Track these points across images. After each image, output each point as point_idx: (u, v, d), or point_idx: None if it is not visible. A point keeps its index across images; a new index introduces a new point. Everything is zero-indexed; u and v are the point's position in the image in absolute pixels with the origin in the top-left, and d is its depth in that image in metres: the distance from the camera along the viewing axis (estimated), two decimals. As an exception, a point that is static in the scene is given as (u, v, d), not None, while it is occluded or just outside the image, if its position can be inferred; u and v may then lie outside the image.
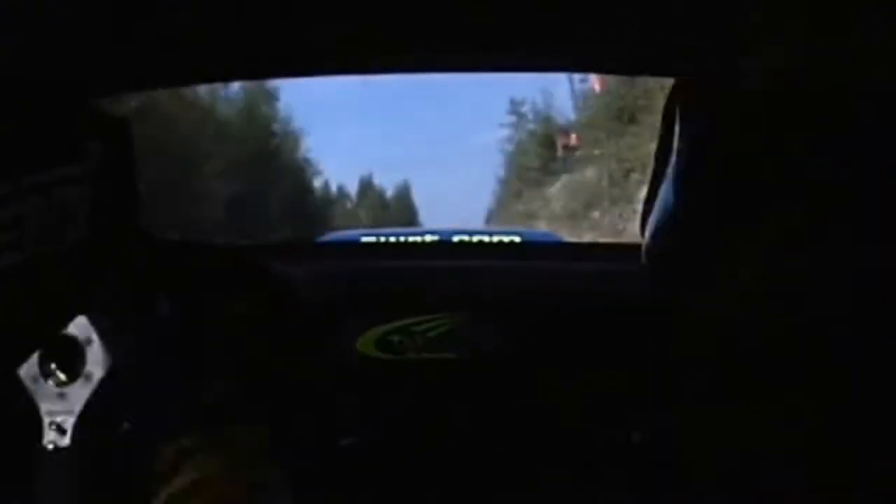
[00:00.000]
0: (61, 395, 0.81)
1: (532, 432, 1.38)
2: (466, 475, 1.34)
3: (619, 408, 1.37)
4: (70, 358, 0.83)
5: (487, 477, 1.35)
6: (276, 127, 21.58)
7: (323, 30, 0.99)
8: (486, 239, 2.18)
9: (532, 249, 1.76)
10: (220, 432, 0.76)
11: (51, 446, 0.78)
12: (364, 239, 2.25)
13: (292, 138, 23.04)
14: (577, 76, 17.91)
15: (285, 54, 1.12)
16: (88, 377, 0.83)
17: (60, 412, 0.80)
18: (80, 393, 0.81)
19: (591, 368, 1.34)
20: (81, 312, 0.85)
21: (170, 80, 1.31)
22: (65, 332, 0.84)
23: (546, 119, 23.42)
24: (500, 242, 1.76)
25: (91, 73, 1.02)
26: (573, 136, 20.34)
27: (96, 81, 1.04)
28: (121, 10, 0.83)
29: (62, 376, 0.82)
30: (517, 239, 2.09)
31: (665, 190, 0.38)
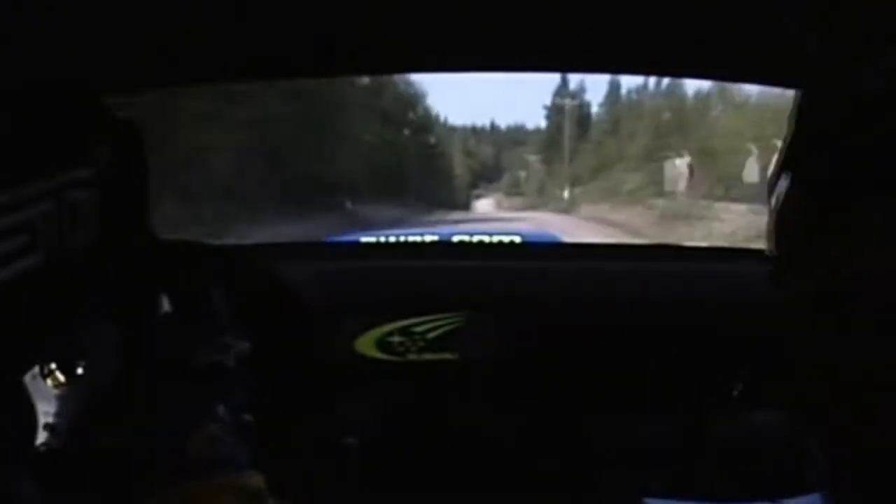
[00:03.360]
0: (58, 397, 0.80)
1: (532, 432, 1.38)
2: (466, 475, 1.34)
3: (618, 408, 1.37)
4: (70, 359, 0.83)
5: (487, 476, 1.35)
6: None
7: (324, 30, 0.99)
8: (486, 239, 2.17)
9: (532, 249, 1.76)
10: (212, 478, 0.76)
11: (43, 448, 0.78)
12: (364, 239, 2.24)
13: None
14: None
15: (286, 55, 1.12)
16: (87, 380, 0.82)
17: (55, 414, 0.79)
18: (76, 395, 0.81)
19: (590, 368, 1.34)
20: (87, 315, 0.85)
21: (175, 80, 1.30)
22: (69, 333, 0.84)
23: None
24: (500, 242, 1.76)
25: (97, 73, 1.02)
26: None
27: (102, 81, 1.04)
28: (126, 9, 0.83)
29: (61, 377, 0.82)
30: (517, 239, 2.09)
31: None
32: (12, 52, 0.83)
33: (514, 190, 38.63)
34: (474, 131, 44.63)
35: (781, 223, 0.39)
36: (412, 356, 1.32)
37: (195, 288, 0.93)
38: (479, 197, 37.27)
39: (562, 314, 1.34)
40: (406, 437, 1.35)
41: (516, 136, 44.79)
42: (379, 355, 1.31)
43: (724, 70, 1.18)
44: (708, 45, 1.03)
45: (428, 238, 2.43)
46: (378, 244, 1.82)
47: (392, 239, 2.24)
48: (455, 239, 2.31)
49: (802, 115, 0.38)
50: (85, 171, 0.84)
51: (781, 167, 0.39)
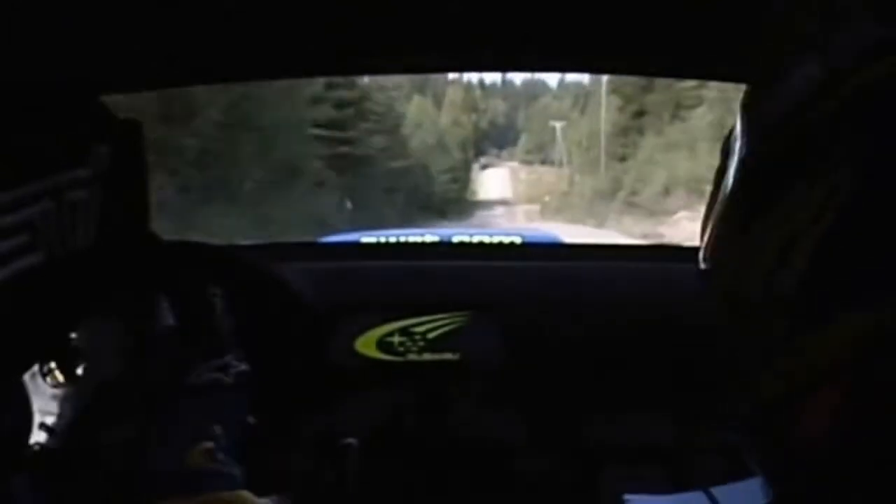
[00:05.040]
0: (55, 397, 0.80)
1: (532, 432, 1.38)
2: (466, 475, 1.34)
3: (618, 408, 1.37)
4: (70, 359, 0.83)
5: (487, 476, 1.35)
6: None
7: (324, 30, 0.99)
8: (486, 239, 2.17)
9: (532, 250, 1.76)
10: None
11: (37, 447, 0.78)
12: (364, 239, 2.24)
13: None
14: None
15: (286, 55, 1.12)
16: (87, 380, 0.82)
17: (52, 413, 0.79)
18: (74, 395, 0.81)
19: (590, 368, 1.34)
20: (88, 315, 0.85)
21: (175, 80, 1.30)
22: (69, 333, 0.84)
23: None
24: (500, 243, 1.76)
25: (97, 73, 1.02)
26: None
27: (102, 81, 1.04)
28: (126, 9, 0.83)
29: (59, 377, 0.81)
30: (517, 239, 2.09)
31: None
32: (12, 52, 0.83)
33: (535, 157, 28.53)
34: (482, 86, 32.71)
35: (710, 237, 0.40)
36: (412, 356, 1.32)
37: (197, 293, 0.92)
38: (486, 167, 28.66)
39: (562, 314, 1.34)
40: (406, 437, 1.35)
41: (534, 90, 33.49)
42: (379, 355, 1.31)
43: (725, 70, 1.18)
44: (708, 45, 1.03)
45: (428, 238, 2.43)
46: (378, 244, 1.82)
47: (392, 239, 2.24)
48: (455, 239, 2.31)
49: (744, 108, 0.39)
50: (85, 171, 0.84)
51: (721, 164, 0.40)
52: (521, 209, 22.53)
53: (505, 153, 31.12)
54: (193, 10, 0.88)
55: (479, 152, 29.15)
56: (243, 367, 0.90)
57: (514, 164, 29.32)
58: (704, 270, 0.40)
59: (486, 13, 0.94)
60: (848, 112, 0.31)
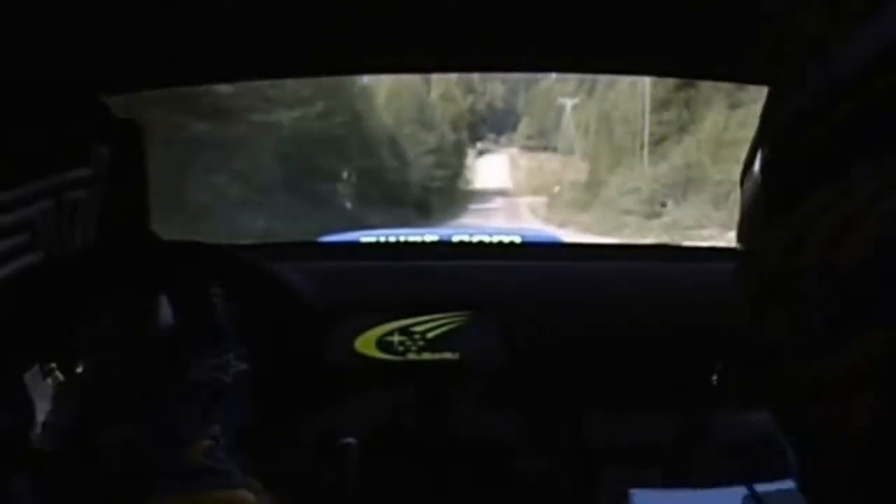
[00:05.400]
0: (57, 396, 0.80)
1: (532, 432, 1.38)
2: (466, 474, 1.34)
3: (618, 408, 1.37)
4: (70, 359, 0.83)
5: (487, 476, 1.35)
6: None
7: (324, 30, 0.99)
8: (486, 239, 2.17)
9: (532, 249, 1.76)
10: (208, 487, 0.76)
11: (37, 447, 0.78)
12: (364, 239, 2.25)
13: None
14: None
15: (287, 55, 1.12)
16: (86, 380, 0.82)
17: (54, 413, 0.79)
18: (74, 395, 0.81)
19: (590, 368, 1.34)
20: (88, 315, 0.85)
21: (175, 80, 1.30)
22: (69, 333, 0.84)
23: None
24: (500, 242, 1.76)
25: (97, 73, 1.02)
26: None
27: (102, 81, 1.04)
28: (126, 9, 0.83)
29: (60, 377, 0.81)
30: (517, 239, 2.09)
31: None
32: (12, 52, 0.83)
33: (539, 143, 24.07)
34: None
35: (742, 221, 0.39)
36: (412, 356, 1.32)
37: (197, 294, 0.92)
38: (483, 153, 24.80)
39: (562, 314, 1.34)
40: (406, 436, 1.35)
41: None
42: (379, 355, 1.31)
43: (725, 70, 1.18)
44: (709, 45, 1.03)
45: (428, 238, 2.43)
46: (378, 244, 1.82)
47: (392, 239, 2.24)
48: (455, 239, 2.31)
49: (766, 113, 0.38)
50: (85, 170, 0.84)
51: (746, 165, 0.39)
52: (525, 202, 19.15)
53: (504, 139, 27.14)
54: (193, 10, 0.88)
55: (476, 137, 25.34)
56: (243, 366, 0.90)
57: (514, 150, 25.50)
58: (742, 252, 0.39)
59: (485, 13, 0.94)
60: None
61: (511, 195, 20.32)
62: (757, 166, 0.37)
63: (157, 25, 0.90)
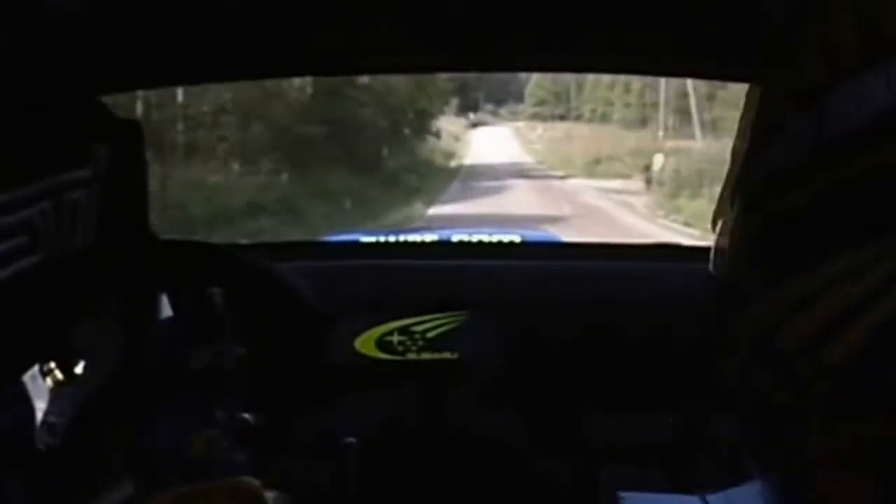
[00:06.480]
0: (56, 396, 0.80)
1: (532, 432, 1.38)
2: (466, 474, 1.34)
3: (618, 408, 1.37)
4: (70, 359, 0.83)
5: (487, 476, 1.35)
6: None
7: (324, 30, 0.99)
8: (485, 239, 2.17)
9: (532, 249, 1.76)
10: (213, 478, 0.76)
11: (41, 447, 0.78)
12: (364, 239, 2.24)
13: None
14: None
15: (286, 54, 1.12)
16: (87, 380, 0.82)
17: (53, 412, 0.79)
18: (75, 395, 0.81)
19: (590, 368, 1.34)
20: (88, 315, 0.85)
21: (175, 80, 1.31)
22: (69, 333, 0.84)
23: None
24: (500, 242, 1.76)
25: (97, 73, 1.02)
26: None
27: (102, 81, 1.04)
28: (126, 9, 0.83)
29: (60, 376, 0.81)
30: (517, 239, 2.09)
31: None
32: (12, 52, 0.83)
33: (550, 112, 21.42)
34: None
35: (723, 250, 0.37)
36: (412, 356, 1.32)
37: (196, 289, 0.93)
38: (477, 125, 21.81)
39: (562, 314, 1.34)
40: (406, 436, 1.35)
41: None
42: (379, 355, 1.31)
43: (725, 70, 1.18)
44: (708, 45, 1.03)
45: (428, 238, 2.43)
46: (378, 244, 1.82)
47: (392, 238, 2.24)
48: (455, 239, 2.31)
49: (743, 166, 0.36)
50: (85, 171, 0.84)
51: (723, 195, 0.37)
52: (566, 183, 14.35)
53: (504, 110, 24.22)
54: (193, 10, 0.88)
55: (469, 107, 21.68)
56: (241, 349, 0.90)
57: (519, 124, 22.58)
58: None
59: (485, 13, 0.94)
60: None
61: (533, 173, 16.20)
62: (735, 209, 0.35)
63: (157, 25, 0.90)
